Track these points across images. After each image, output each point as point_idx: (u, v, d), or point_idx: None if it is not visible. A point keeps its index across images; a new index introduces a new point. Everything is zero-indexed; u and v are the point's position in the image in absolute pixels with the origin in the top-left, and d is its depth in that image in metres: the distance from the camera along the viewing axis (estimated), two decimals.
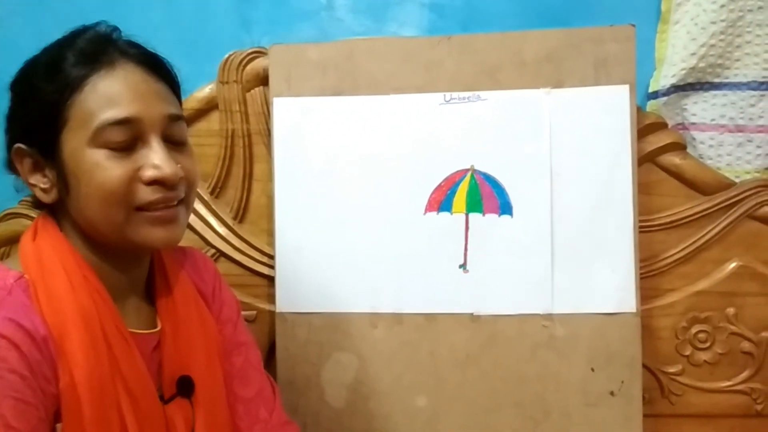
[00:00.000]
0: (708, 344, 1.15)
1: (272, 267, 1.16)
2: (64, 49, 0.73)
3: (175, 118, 0.76)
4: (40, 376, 0.67)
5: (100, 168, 0.71)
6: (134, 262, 0.81)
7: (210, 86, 1.17)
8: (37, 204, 0.80)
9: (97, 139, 0.71)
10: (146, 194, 0.72)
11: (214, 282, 0.93)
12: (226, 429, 0.85)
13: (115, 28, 0.77)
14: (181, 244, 0.94)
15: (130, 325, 0.77)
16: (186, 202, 0.78)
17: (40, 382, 0.67)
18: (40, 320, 0.69)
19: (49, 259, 0.73)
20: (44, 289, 0.71)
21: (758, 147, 1.16)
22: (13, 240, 1.16)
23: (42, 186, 0.75)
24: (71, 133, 0.71)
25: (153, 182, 0.72)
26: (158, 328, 0.81)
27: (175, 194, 0.75)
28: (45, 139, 0.72)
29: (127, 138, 0.72)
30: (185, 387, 0.80)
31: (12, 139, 0.75)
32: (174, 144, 0.76)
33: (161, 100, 0.75)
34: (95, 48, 0.73)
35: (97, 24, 0.76)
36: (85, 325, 0.70)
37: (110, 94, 0.71)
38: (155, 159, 0.72)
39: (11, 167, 0.77)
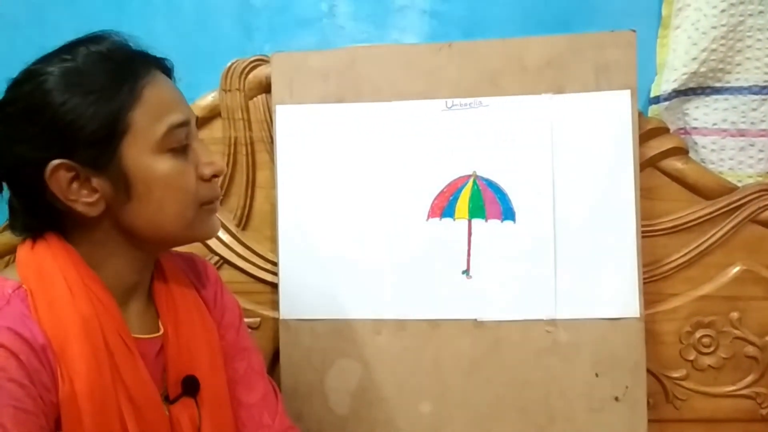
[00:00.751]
0: (712, 349, 1.15)
1: (276, 274, 1.17)
2: (96, 61, 0.72)
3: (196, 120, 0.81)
4: (40, 385, 0.67)
5: (176, 172, 0.74)
6: (149, 263, 0.82)
7: (213, 94, 1.17)
8: (26, 227, 0.76)
9: (164, 145, 0.73)
10: (209, 190, 0.78)
11: (216, 287, 0.94)
12: (230, 428, 0.85)
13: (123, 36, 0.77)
14: (185, 250, 0.96)
15: (134, 330, 0.77)
16: None
17: (40, 390, 0.67)
18: (38, 329, 0.69)
19: (49, 268, 0.73)
20: (43, 298, 0.71)
21: (760, 151, 1.16)
22: (15, 250, 1.16)
23: (86, 200, 0.72)
24: (132, 141, 0.71)
25: (213, 177, 0.78)
26: (161, 332, 0.81)
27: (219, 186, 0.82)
28: (98, 152, 0.70)
29: (186, 140, 0.75)
30: (190, 386, 0.80)
31: (32, 155, 0.70)
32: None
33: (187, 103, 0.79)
34: (130, 57, 0.74)
35: (105, 33, 0.75)
36: (85, 334, 0.70)
37: (166, 100, 0.74)
38: (206, 156, 0.78)
39: (26, 184, 0.72)
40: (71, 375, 0.69)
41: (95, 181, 0.71)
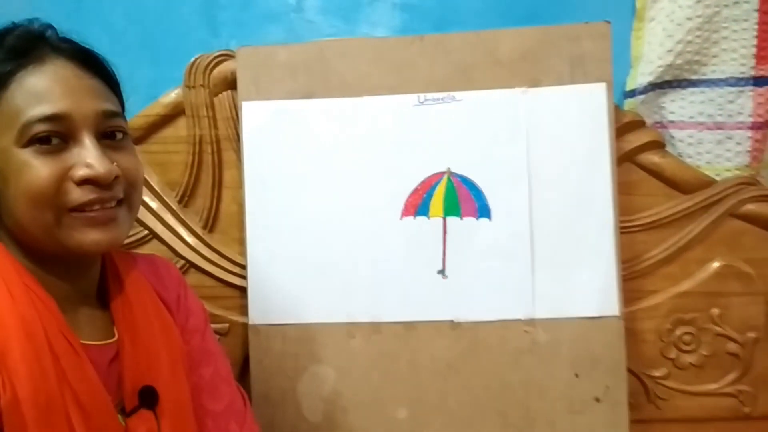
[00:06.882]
0: (693, 346, 1.14)
1: (244, 278, 1.13)
2: None
3: (110, 115, 0.73)
4: None
5: (28, 167, 0.67)
6: (79, 269, 0.76)
7: (176, 91, 1.13)
8: None
9: (24, 138, 0.67)
10: (78, 195, 0.69)
11: (178, 290, 0.89)
12: None
13: (49, 26, 0.74)
14: (149, 253, 0.91)
15: (84, 336, 0.73)
16: (128, 202, 0.74)
17: None
18: None
19: None
20: None
21: (738, 144, 1.15)
22: None
23: None
24: None
25: (85, 182, 0.69)
26: (115, 339, 0.77)
27: (111, 194, 0.71)
28: None
29: (57, 135, 0.69)
30: (148, 398, 0.75)
31: None
32: (111, 142, 0.73)
33: (94, 95, 0.72)
34: (24, 44, 0.70)
35: (30, 21, 0.73)
36: (27, 338, 0.66)
37: (38, 90, 0.68)
38: (87, 157, 0.69)
39: None
40: (13, 380, 0.64)
41: None
